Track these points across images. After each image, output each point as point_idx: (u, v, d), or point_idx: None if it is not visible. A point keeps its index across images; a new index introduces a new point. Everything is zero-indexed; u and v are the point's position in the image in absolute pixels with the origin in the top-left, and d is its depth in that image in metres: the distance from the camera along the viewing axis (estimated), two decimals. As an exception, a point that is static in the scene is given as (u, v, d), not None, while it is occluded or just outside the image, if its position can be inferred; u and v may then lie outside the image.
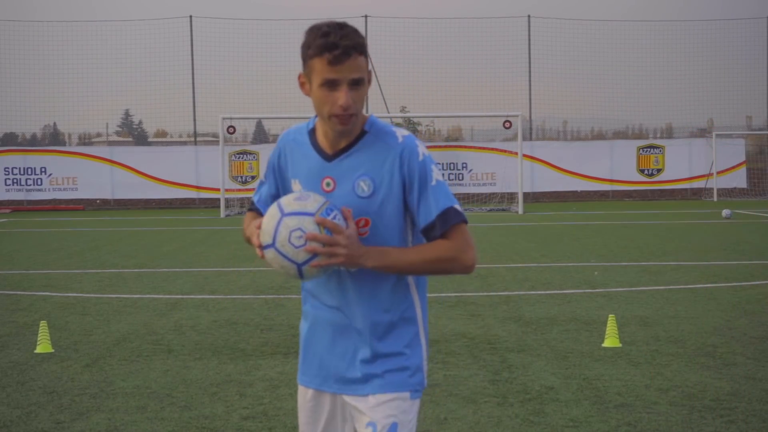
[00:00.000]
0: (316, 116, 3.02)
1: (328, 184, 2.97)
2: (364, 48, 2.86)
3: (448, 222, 2.93)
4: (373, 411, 2.97)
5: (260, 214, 3.11)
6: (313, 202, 2.85)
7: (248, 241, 3.11)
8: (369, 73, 2.92)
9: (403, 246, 3.00)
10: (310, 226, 2.82)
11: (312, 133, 3.03)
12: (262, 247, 2.87)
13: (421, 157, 2.94)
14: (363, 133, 2.97)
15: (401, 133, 2.97)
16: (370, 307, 3.00)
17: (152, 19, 36.35)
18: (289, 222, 2.83)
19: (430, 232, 2.95)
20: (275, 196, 3.11)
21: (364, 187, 2.94)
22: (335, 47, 2.79)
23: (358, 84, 2.86)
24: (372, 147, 2.95)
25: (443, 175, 3.01)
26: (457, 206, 2.96)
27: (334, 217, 2.85)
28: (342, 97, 2.83)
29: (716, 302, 10.28)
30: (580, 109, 38.44)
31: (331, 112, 2.85)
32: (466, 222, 2.97)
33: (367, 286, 2.99)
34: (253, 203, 3.22)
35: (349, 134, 2.94)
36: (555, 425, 5.84)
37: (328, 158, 2.97)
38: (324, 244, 2.82)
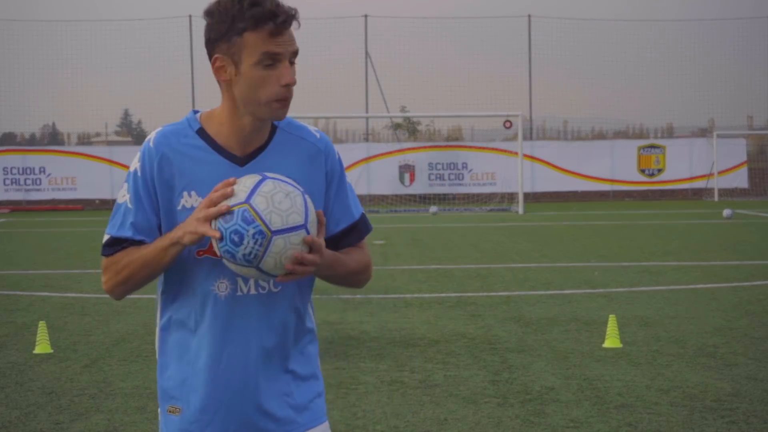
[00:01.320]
0: (195, 113, 2.55)
1: None
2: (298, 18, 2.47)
3: (365, 231, 2.65)
4: None
5: None
6: (299, 207, 2.37)
7: (144, 267, 2.47)
8: None
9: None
10: (298, 243, 2.36)
11: (202, 133, 2.51)
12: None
13: (338, 155, 2.61)
14: (274, 129, 2.55)
15: (312, 127, 2.61)
16: (290, 321, 2.57)
17: (152, 18, 36.38)
18: (279, 242, 2.34)
19: (346, 237, 2.60)
20: (159, 226, 2.51)
21: None
22: (275, 15, 2.38)
23: (295, 57, 2.47)
24: (288, 143, 2.54)
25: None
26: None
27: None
28: (287, 73, 2.41)
29: (717, 302, 10.25)
30: (581, 108, 38.49)
31: (271, 95, 2.41)
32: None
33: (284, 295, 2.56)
34: (124, 240, 2.49)
35: (265, 128, 2.52)
36: (555, 426, 5.82)
37: (240, 161, 2.48)
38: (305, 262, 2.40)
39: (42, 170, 31.03)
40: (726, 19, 36.96)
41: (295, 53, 2.44)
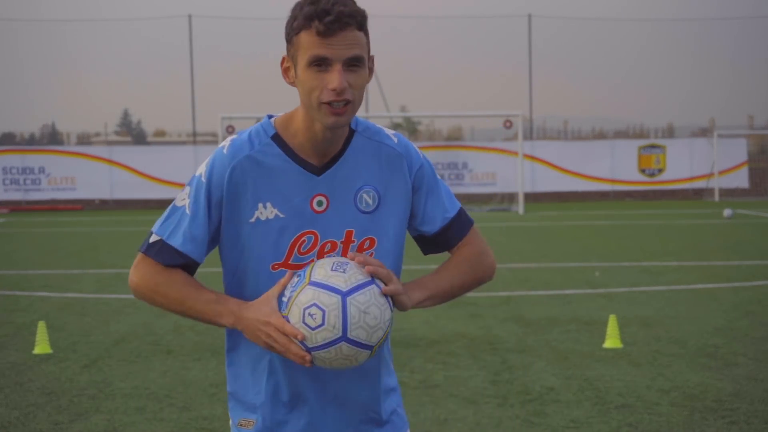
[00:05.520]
0: (269, 118, 2.45)
1: (319, 203, 2.38)
2: (364, 22, 2.30)
3: (467, 224, 2.55)
4: None
5: (188, 266, 2.43)
6: (353, 269, 2.29)
7: (198, 315, 2.38)
8: (371, 57, 2.36)
9: (399, 267, 2.52)
10: (377, 296, 2.28)
11: (278, 140, 2.39)
12: (319, 347, 2.24)
13: (421, 156, 2.50)
14: (352, 133, 2.44)
15: (389, 131, 2.51)
16: None
17: (151, 18, 36.42)
18: (359, 298, 2.25)
19: (443, 236, 2.53)
20: (214, 238, 2.44)
21: (368, 200, 2.41)
22: (326, 14, 2.23)
23: (356, 64, 2.28)
24: (366, 149, 2.43)
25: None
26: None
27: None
28: (335, 78, 2.25)
29: (717, 303, 10.24)
30: (581, 108, 38.60)
31: (320, 98, 2.27)
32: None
33: None
34: (172, 251, 2.39)
35: (341, 134, 2.39)
36: (556, 426, 5.81)
37: (317, 171, 2.38)
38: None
39: (41, 170, 31.02)
40: (726, 19, 37.05)
41: (352, 59, 2.27)
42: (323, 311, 2.21)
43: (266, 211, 2.37)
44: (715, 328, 8.80)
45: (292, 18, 2.29)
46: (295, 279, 2.29)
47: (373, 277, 2.29)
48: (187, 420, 6.04)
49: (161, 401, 6.48)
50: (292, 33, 2.30)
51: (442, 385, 6.81)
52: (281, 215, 2.36)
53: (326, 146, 2.38)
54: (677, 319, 9.25)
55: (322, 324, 2.21)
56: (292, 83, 2.35)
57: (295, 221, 2.37)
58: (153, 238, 2.41)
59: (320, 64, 2.26)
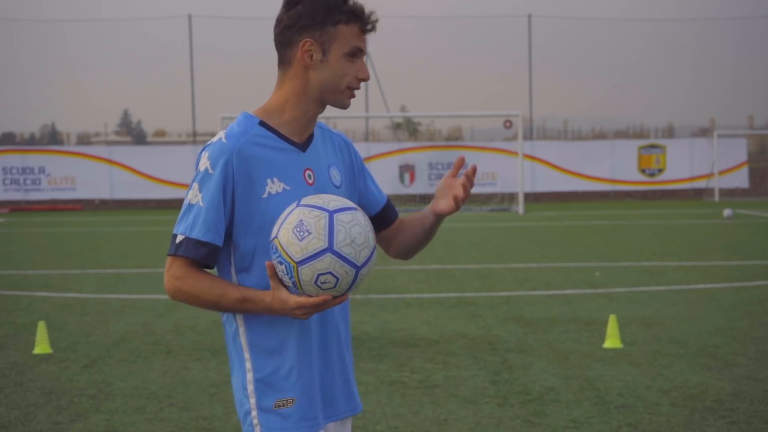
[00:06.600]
0: (246, 114, 2.68)
1: (309, 176, 2.68)
2: None
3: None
4: None
5: (213, 252, 2.60)
6: (311, 225, 2.50)
7: (230, 305, 2.60)
8: None
9: None
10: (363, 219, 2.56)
11: (264, 125, 2.67)
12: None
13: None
14: None
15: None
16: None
17: (151, 18, 36.46)
18: (343, 217, 2.50)
19: (387, 212, 2.91)
20: (230, 222, 2.62)
21: (336, 176, 2.76)
22: (371, 15, 2.67)
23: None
24: (323, 135, 2.80)
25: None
26: None
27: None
28: (364, 68, 2.70)
29: (718, 303, 10.24)
30: (581, 108, 38.60)
31: (350, 84, 2.67)
32: None
33: None
34: (197, 243, 2.58)
35: (317, 118, 2.74)
36: (556, 426, 5.81)
37: (302, 147, 2.69)
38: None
39: (41, 170, 31.01)
40: (727, 19, 37.06)
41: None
42: (330, 273, 2.47)
43: (275, 185, 2.62)
44: (715, 328, 8.79)
45: (328, 7, 2.60)
46: (280, 267, 2.49)
47: None
48: (187, 420, 6.04)
49: (161, 401, 6.48)
50: (326, 22, 2.61)
51: (442, 385, 6.82)
52: (287, 187, 2.63)
53: (309, 126, 2.70)
54: (677, 319, 9.25)
55: (337, 280, 2.48)
56: (309, 65, 2.64)
57: (298, 193, 2.62)
58: (178, 239, 2.61)
59: (355, 54, 2.66)
